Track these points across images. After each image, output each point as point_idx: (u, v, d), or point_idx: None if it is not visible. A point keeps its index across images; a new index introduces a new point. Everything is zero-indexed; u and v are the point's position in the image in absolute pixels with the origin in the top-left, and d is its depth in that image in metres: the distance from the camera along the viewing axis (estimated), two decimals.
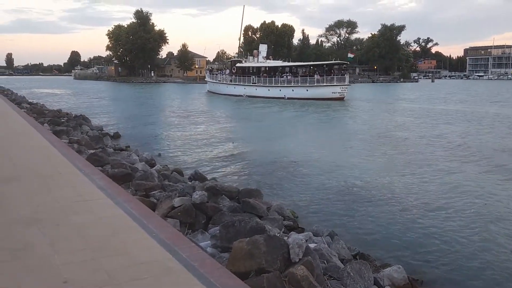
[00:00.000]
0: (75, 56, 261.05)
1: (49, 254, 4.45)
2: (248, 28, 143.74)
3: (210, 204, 7.88)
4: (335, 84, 50.74)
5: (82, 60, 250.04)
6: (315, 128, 27.59)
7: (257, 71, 59.24)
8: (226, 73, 65.17)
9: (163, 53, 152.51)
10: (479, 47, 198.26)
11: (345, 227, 8.93)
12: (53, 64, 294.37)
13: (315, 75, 52.48)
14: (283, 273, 4.86)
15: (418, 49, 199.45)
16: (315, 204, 10.58)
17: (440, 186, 12.23)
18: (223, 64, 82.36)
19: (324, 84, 51.31)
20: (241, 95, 57.81)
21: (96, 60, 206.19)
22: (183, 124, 28.42)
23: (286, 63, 63.96)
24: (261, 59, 62.88)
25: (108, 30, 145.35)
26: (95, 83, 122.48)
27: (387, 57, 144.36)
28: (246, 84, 58.97)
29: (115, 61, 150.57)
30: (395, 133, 23.66)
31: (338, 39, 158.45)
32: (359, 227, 9.02)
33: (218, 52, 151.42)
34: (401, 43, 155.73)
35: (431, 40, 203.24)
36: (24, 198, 6.36)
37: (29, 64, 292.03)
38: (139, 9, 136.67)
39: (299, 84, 53.12)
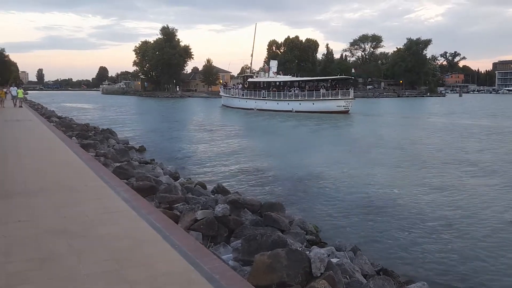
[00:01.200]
0: (103, 71, 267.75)
1: (75, 265, 4.56)
2: (272, 43, 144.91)
3: (233, 217, 7.91)
4: (339, 98, 52.60)
5: (109, 75, 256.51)
6: (329, 141, 27.66)
7: (267, 86, 61.93)
8: (239, 87, 68.59)
9: (188, 68, 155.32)
10: (508, 61, 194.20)
11: (368, 242, 8.81)
12: (82, 79, 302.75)
13: (321, 90, 54.50)
14: (304, 287, 4.84)
15: (445, 63, 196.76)
16: (338, 218, 10.48)
17: (466, 201, 11.97)
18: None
19: (330, 98, 53.17)
20: (252, 109, 60.21)
21: (123, 75, 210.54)
22: (205, 138, 28.74)
23: (294, 78, 66.13)
24: (272, 74, 66.08)
25: (135, 46, 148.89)
26: (121, 97, 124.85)
27: (413, 71, 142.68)
28: (256, 98, 61.78)
29: (142, 76, 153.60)
30: (411, 147, 23.43)
31: (363, 53, 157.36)
32: (382, 242, 8.89)
33: (243, 67, 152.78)
34: (428, 57, 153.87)
35: (459, 54, 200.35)
36: (52, 210, 6.54)
37: (59, 79, 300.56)
38: (165, 26, 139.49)
39: (306, 98, 55.25)
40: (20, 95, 39.01)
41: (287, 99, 57.10)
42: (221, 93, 75.69)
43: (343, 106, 52.12)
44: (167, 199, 9.01)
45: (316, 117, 45.88)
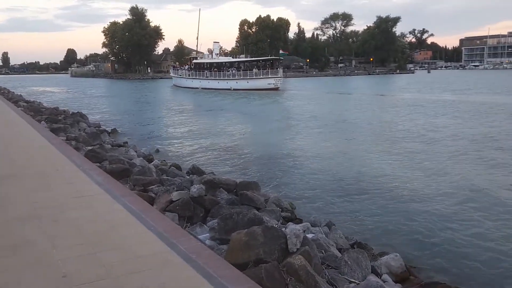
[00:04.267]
0: (71, 54, 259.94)
1: (48, 250, 4.48)
2: (243, 23, 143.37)
3: (208, 197, 7.91)
4: (269, 76, 59.86)
5: (78, 57, 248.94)
6: (282, 116, 29.35)
7: (209, 66, 68.32)
8: (185, 68, 75.20)
9: (159, 49, 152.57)
10: (474, 37, 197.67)
11: (342, 217, 8.97)
12: (50, 63, 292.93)
13: (254, 69, 61.37)
14: (281, 263, 4.89)
15: (413, 40, 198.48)
16: (313, 195, 10.61)
17: (437, 174, 12.30)
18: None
19: (261, 77, 60.19)
20: (197, 88, 66.11)
21: (93, 58, 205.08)
22: (174, 118, 29.13)
23: (231, 59, 72.16)
24: (214, 56, 72.13)
25: (104, 27, 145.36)
26: (92, 80, 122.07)
27: (383, 49, 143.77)
28: (200, 78, 68.31)
29: (112, 58, 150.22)
30: (363, 121, 24.12)
31: (334, 32, 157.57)
32: (356, 217, 9.06)
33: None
34: (397, 35, 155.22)
35: (427, 31, 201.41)
36: (22, 195, 6.38)
37: (26, 63, 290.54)
38: (134, 6, 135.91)
39: (241, 77, 61.67)
40: None
41: (226, 78, 63.35)
42: (171, 74, 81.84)
43: (273, 84, 58.91)
44: (141, 181, 8.92)
45: (253, 94, 50.61)
